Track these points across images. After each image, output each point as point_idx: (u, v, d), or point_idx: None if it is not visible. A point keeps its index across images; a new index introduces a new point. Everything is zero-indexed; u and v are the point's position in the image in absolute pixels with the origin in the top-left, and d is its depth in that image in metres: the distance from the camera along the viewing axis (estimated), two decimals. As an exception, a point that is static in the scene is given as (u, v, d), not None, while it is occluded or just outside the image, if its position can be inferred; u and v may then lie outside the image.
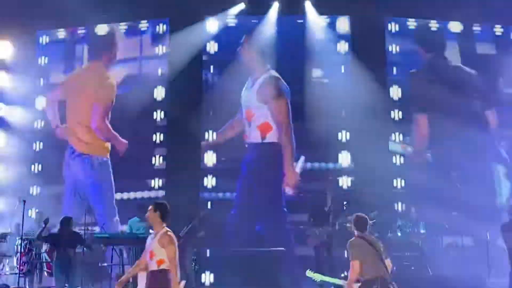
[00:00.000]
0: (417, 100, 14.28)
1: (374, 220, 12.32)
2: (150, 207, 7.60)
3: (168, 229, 7.53)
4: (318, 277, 8.34)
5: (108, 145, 14.75)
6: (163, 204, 7.63)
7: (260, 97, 13.98)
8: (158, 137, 14.56)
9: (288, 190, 13.71)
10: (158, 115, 14.61)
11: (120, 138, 14.62)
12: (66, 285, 11.02)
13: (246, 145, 14.11)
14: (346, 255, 9.02)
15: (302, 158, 13.81)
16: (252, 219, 13.66)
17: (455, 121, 13.76)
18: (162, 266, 7.40)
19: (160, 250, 7.42)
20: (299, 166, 13.79)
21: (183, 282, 7.48)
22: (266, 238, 13.24)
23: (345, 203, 13.02)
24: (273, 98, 13.94)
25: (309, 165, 13.96)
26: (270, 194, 13.71)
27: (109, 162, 14.68)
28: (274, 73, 14.06)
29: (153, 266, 7.46)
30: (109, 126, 14.75)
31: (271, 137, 13.92)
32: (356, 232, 7.96)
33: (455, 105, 14.06)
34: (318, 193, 13.33)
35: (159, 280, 7.39)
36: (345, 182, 13.91)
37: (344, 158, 13.93)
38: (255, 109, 14.04)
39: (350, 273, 7.73)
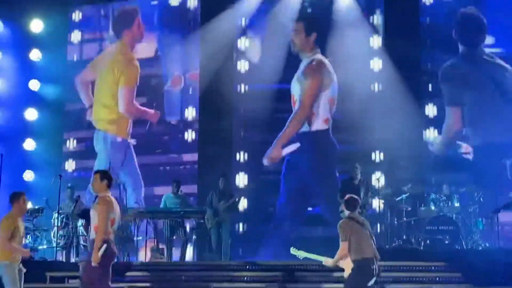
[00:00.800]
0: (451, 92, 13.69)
1: (408, 194, 12.32)
2: (95, 176, 7.22)
3: (109, 195, 7.13)
4: (302, 254, 8.23)
5: (130, 124, 14.78)
6: (108, 173, 7.31)
7: (303, 77, 13.35)
8: (190, 113, 14.66)
9: (265, 162, 13.30)
10: (189, 89, 14.72)
11: (149, 110, 14.75)
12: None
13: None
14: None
15: (297, 144, 13.23)
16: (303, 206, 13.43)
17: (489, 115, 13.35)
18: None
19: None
20: (289, 149, 13.24)
21: (103, 247, 6.94)
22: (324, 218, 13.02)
23: (378, 175, 12.97)
24: (310, 76, 13.29)
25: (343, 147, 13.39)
26: (324, 179, 13.11)
27: (125, 142, 14.69)
28: (321, 56, 13.37)
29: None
30: (137, 105, 14.83)
31: (317, 124, 13.25)
32: (346, 213, 7.83)
33: (489, 101, 13.48)
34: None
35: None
36: (377, 156, 13.75)
37: (377, 134, 13.61)
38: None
39: (338, 253, 7.62)
